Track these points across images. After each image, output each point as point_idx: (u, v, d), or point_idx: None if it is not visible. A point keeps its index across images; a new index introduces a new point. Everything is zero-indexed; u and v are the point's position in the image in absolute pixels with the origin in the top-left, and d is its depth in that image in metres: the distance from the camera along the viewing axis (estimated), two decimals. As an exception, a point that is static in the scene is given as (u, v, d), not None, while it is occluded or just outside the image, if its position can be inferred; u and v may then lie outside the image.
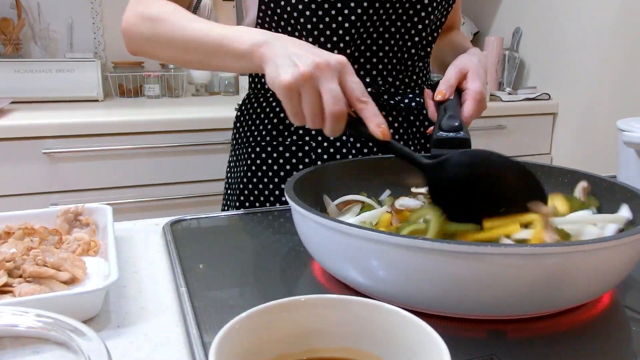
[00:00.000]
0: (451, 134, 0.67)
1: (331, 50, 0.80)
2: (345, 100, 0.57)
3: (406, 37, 0.83)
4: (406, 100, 0.86)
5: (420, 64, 0.89)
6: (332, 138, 0.83)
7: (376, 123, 0.58)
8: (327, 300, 0.35)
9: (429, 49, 0.89)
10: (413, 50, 0.85)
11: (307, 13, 0.78)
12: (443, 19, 0.88)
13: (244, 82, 2.07)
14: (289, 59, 0.58)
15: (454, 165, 0.55)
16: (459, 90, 0.74)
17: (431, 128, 0.71)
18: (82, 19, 2.04)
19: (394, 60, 0.84)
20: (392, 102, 0.85)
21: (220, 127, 1.66)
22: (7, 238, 0.56)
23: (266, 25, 0.82)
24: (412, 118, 0.89)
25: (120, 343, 0.44)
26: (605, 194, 0.59)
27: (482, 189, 0.54)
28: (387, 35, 0.82)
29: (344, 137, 0.84)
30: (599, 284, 0.46)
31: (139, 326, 0.47)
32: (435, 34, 0.88)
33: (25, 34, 1.99)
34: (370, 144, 0.86)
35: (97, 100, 1.88)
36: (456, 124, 0.67)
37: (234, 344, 0.31)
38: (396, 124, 0.87)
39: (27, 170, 1.51)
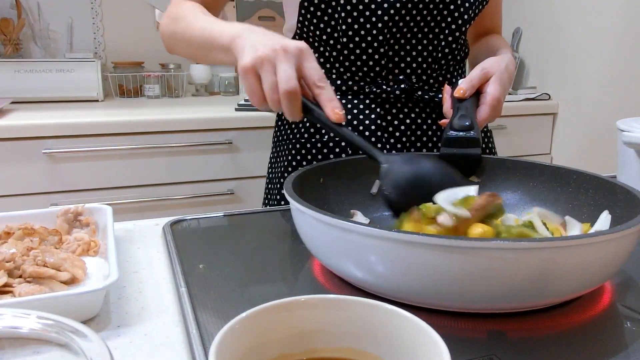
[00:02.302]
0: (461, 133, 0.67)
1: (365, 49, 0.83)
2: (296, 81, 0.60)
3: (440, 36, 0.85)
4: (440, 95, 0.87)
5: (453, 62, 0.90)
6: (366, 133, 0.86)
7: (331, 107, 0.60)
8: (327, 300, 0.35)
9: (461, 47, 0.90)
10: (447, 50, 0.86)
11: (343, 14, 0.80)
12: (474, 17, 0.88)
13: (244, 82, 2.07)
14: (253, 46, 0.62)
15: (401, 162, 0.61)
16: (478, 92, 0.74)
17: (444, 120, 0.72)
18: (82, 19, 2.04)
19: (429, 59, 0.86)
20: (426, 97, 0.87)
21: (220, 127, 1.66)
22: (7, 238, 0.56)
23: (305, 29, 0.86)
24: None
25: (120, 343, 0.44)
26: (605, 194, 0.59)
27: (420, 181, 0.61)
28: (419, 35, 0.84)
29: (379, 133, 0.86)
30: (592, 278, 0.47)
31: (139, 326, 0.47)
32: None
33: (25, 34, 1.99)
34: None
35: (97, 101, 1.88)
36: (467, 123, 0.67)
37: (234, 344, 0.31)
38: (429, 120, 0.88)
39: (27, 170, 1.51)
